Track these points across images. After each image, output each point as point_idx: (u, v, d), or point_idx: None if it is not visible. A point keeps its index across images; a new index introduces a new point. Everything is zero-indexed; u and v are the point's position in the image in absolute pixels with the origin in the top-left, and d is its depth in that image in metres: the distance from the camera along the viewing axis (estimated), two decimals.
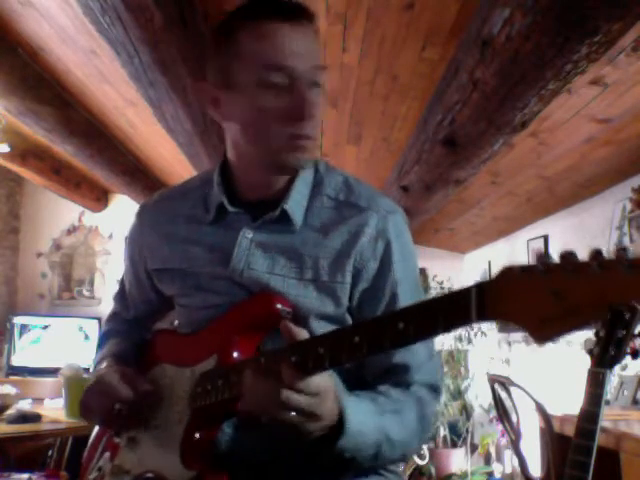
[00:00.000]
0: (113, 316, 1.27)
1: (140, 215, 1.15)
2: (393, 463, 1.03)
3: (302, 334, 0.82)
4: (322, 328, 0.96)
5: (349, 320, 0.99)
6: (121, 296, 1.24)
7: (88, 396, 1.03)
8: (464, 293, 0.67)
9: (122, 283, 1.24)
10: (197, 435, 0.96)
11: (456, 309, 0.67)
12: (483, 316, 0.66)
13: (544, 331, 0.62)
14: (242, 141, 0.98)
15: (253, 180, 1.01)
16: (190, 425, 0.97)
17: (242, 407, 0.83)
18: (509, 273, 0.65)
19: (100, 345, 1.22)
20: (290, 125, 0.92)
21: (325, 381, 0.80)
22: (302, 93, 0.91)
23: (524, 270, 0.64)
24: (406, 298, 0.99)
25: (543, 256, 0.63)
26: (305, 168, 0.99)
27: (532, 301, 0.62)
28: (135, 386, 1.01)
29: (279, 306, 0.95)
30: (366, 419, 0.88)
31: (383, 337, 0.74)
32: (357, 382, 0.99)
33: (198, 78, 0.97)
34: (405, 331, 0.72)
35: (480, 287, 0.66)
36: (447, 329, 0.70)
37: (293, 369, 0.78)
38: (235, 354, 0.96)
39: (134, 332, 1.21)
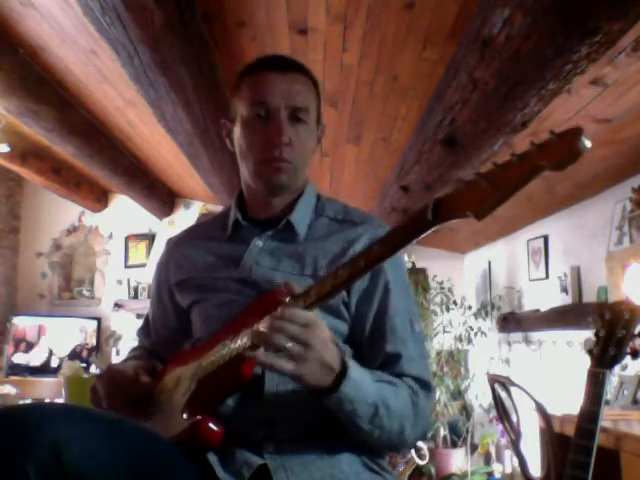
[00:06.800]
0: (133, 348, 1.38)
1: (168, 243, 1.33)
2: (390, 442, 1.04)
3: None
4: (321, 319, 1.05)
5: (344, 312, 1.09)
6: (144, 328, 1.37)
7: (97, 382, 1.14)
8: (423, 206, 0.81)
9: (146, 317, 1.38)
10: (201, 403, 1.03)
11: (417, 218, 0.82)
12: (437, 218, 0.80)
13: (482, 209, 0.76)
14: (240, 165, 1.17)
15: (258, 200, 1.18)
16: (194, 393, 1.05)
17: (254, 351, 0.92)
18: (457, 186, 0.79)
19: None
20: (266, 150, 1.10)
21: (313, 314, 0.91)
22: (276, 124, 1.09)
23: (469, 182, 0.77)
24: (397, 290, 1.12)
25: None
26: (284, 187, 1.14)
27: (471, 193, 0.77)
28: (139, 374, 1.13)
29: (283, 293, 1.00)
30: (365, 377, 0.98)
31: (359, 258, 0.87)
32: None
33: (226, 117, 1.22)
34: (378, 250, 0.86)
35: (435, 199, 0.81)
36: (411, 236, 0.83)
37: (285, 303, 0.91)
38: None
39: (150, 358, 1.30)
